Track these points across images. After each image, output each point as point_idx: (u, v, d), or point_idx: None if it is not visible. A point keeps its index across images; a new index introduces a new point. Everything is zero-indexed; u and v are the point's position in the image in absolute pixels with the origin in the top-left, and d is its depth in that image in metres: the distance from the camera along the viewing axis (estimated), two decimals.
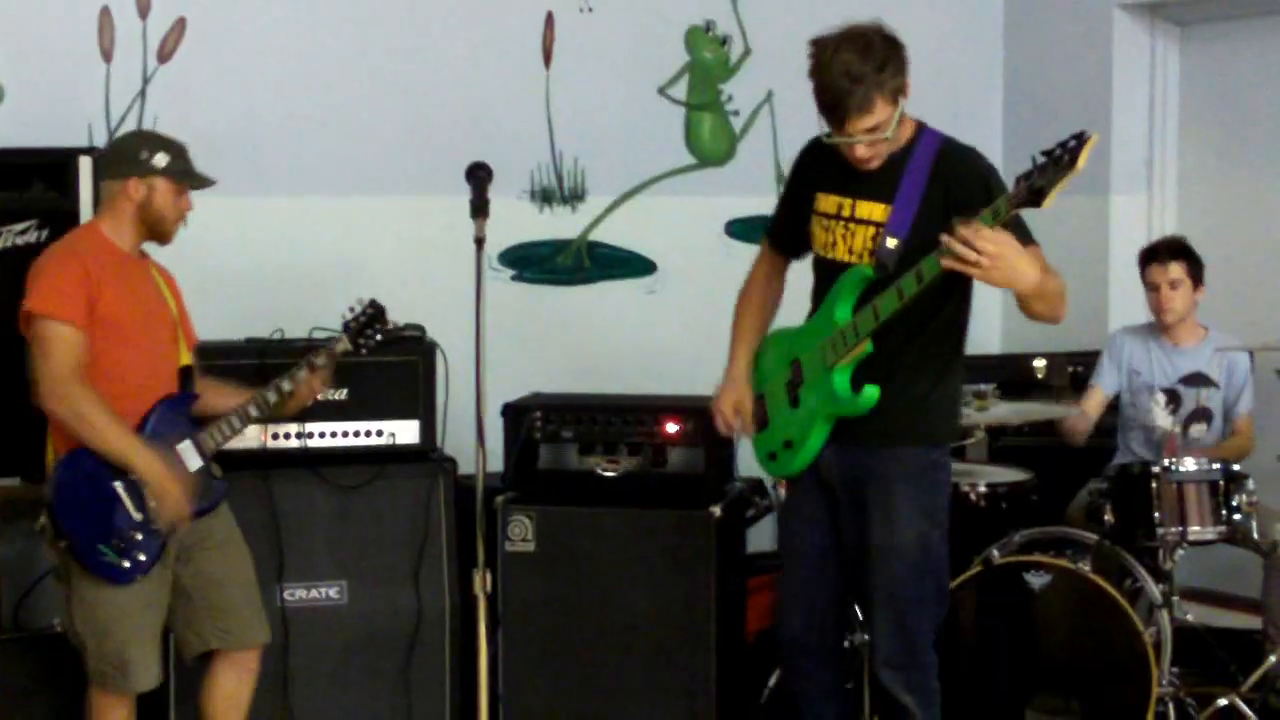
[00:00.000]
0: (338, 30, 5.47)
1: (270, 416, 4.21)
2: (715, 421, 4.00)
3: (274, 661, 4.41)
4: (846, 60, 3.51)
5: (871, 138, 3.58)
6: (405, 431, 4.70)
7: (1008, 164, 6.45)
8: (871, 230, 3.67)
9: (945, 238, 3.36)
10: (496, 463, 4.79)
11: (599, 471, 4.77)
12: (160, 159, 3.98)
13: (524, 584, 4.69)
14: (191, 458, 4.01)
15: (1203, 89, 6.43)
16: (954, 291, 3.72)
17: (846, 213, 3.72)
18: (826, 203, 3.77)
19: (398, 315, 4.81)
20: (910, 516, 3.74)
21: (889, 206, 3.65)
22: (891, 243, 3.62)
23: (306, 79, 5.41)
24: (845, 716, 4.01)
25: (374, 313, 4.28)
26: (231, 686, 4.14)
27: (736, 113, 6.15)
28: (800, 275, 3.98)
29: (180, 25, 5.27)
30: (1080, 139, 3.28)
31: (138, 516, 3.89)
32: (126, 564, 3.87)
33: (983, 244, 3.31)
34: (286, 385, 4.12)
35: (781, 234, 4.00)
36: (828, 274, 3.77)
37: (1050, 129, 6.25)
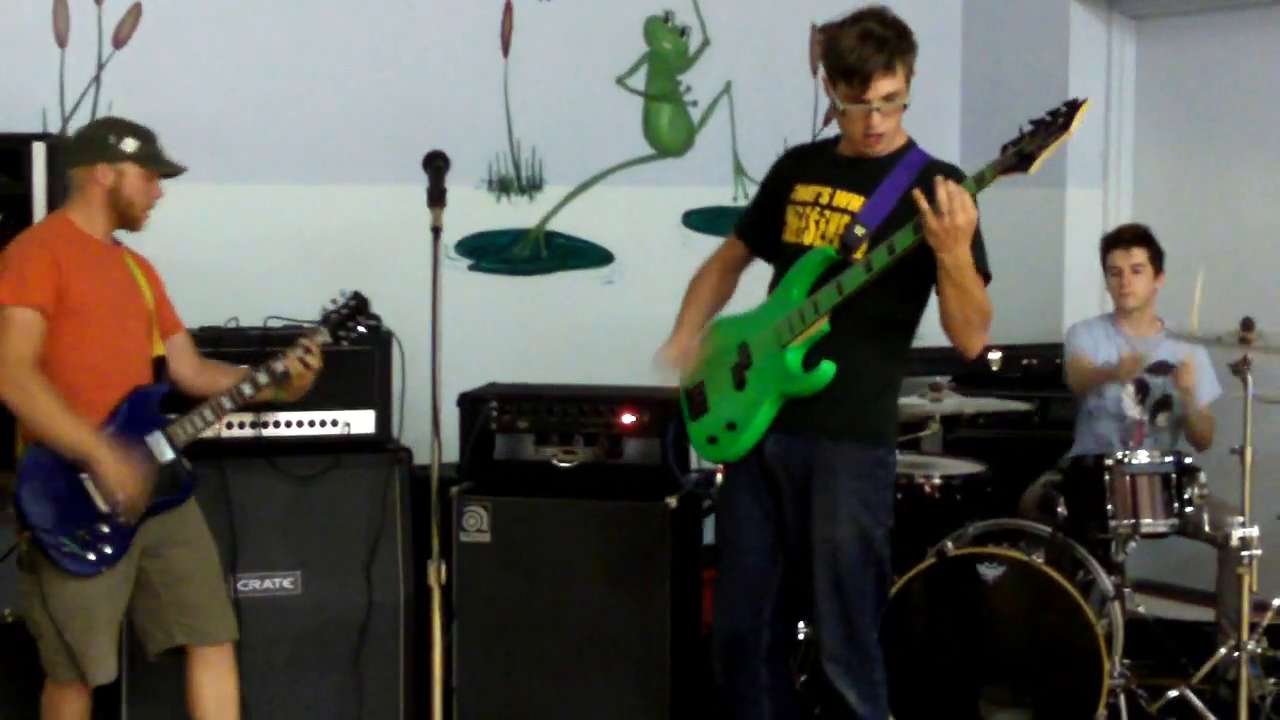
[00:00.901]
0: (295, 17, 5.44)
1: (248, 405, 4.16)
2: (665, 364, 3.97)
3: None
4: (869, 26, 3.61)
5: (889, 106, 3.62)
6: (361, 421, 4.69)
7: (965, 156, 6.55)
8: (846, 219, 3.70)
9: (918, 193, 3.45)
10: (453, 453, 4.78)
11: (555, 462, 4.76)
12: (129, 144, 3.94)
13: (479, 575, 4.68)
14: (162, 449, 3.96)
15: (1159, 83, 6.47)
16: (915, 294, 3.75)
17: (825, 200, 3.75)
18: (805, 192, 3.80)
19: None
20: (853, 510, 3.75)
21: (866, 199, 3.69)
22: (860, 230, 3.66)
23: (263, 66, 5.37)
24: (782, 711, 3.98)
25: (356, 305, 4.22)
26: (215, 686, 4.10)
27: (695, 103, 6.15)
28: (753, 280, 4.00)
29: (136, 11, 5.22)
30: (1074, 104, 3.36)
31: (104, 508, 3.85)
32: (91, 556, 3.84)
33: (957, 204, 3.40)
34: (263, 378, 4.05)
35: (750, 226, 4.02)
36: (790, 258, 3.79)
37: (1007, 121, 6.27)
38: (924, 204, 3.43)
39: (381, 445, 4.71)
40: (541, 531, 4.69)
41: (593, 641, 4.66)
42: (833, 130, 5.99)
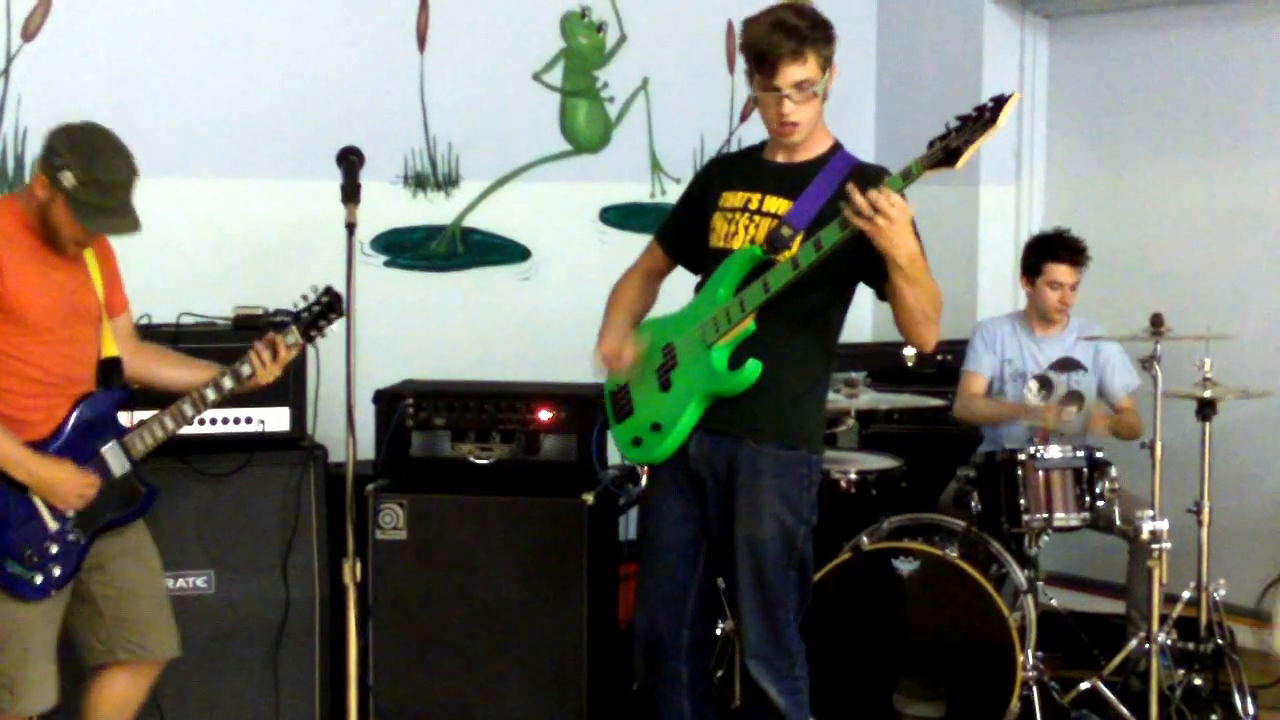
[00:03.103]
0: (207, 11, 5.37)
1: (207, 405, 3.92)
2: (599, 364, 3.93)
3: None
4: (781, 15, 3.64)
5: (800, 94, 3.63)
6: (275, 419, 4.65)
7: (880, 152, 6.60)
8: (774, 222, 3.71)
9: (850, 187, 3.44)
10: (369, 451, 4.76)
11: (471, 459, 4.75)
12: (66, 177, 3.53)
13: (395, 573, 4.66)
14: (118, 461, 3.78)
15: (1071, 81, 6.54)
16: (840, 293, 3.79)
17: (754, 205, 3.76)
18: (733, 198, 3.81)
19: (267, 301, 4.78)
20: (776, 509, 3.76)
21: (792, 202, 3.70)
22: (787, 231, 3.67)
23: (176, 59, 5.31)
24: (702, 709, 3.98)
25: (329, 302, 3.97)
26: (126, 694, 3.93)
27: (612, 100, 6.15)
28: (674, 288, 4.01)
29: (45, 3, 5.14)
30: (1000, 100, 3.39)
31: (53, 526, 3.67)
32: (38, 579, 3.64)
33: (884, 204, 3.40)
34: (229, 383, 3.84)
35: (673, 234, 4.01)
36: (715, 264, 3.78)
37: (922, 118, 6.36)
38: (856, 200, 3.42)
39: (296, 443, 4.67)
40: (458, 529, 4.68)
41: (510, 638, 4.65)
42: (751, 127, 6.07)
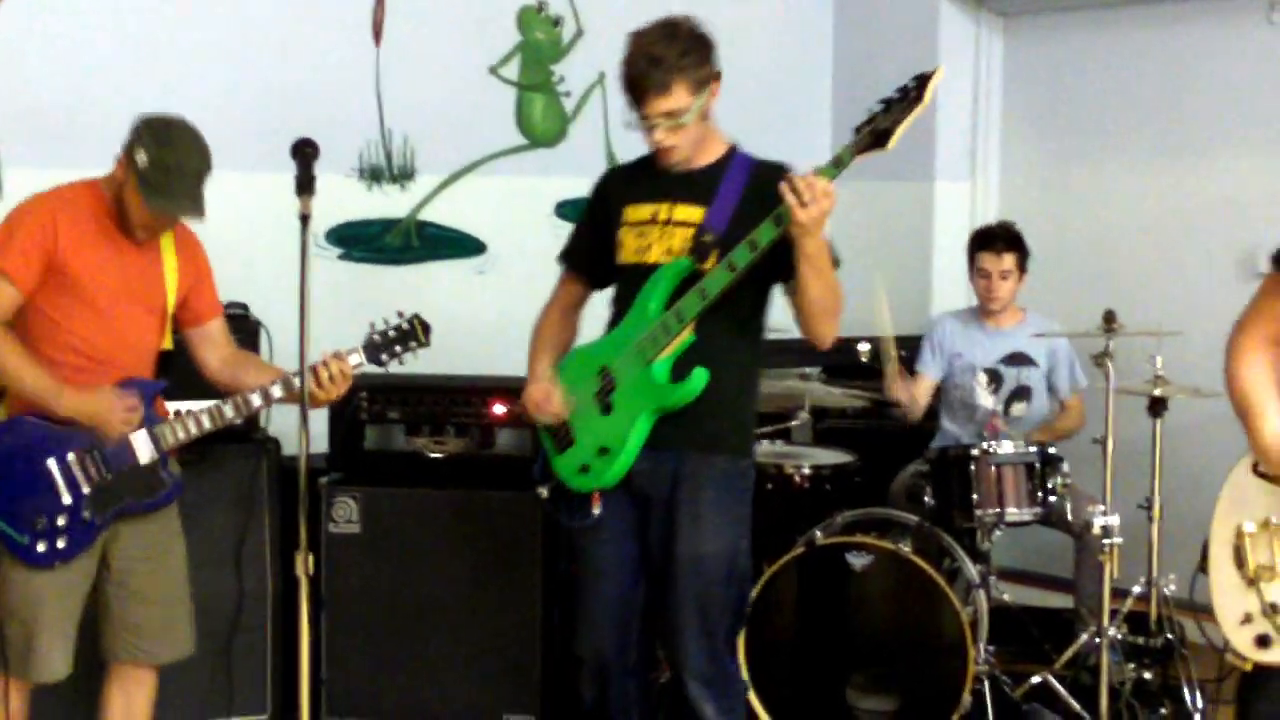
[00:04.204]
0: (162, 2, 5.34)
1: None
2: (530, 412, 3.92)
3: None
4: (650, 44, 3.61)
5: (670, 123, 3.63)
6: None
7: (837, 148, 6.59)
8: (690, 231, 3.70)
9: (789, 179, 3.45)
10: (323, 444, 4.75)
11: (426, 453, 4.75)
12: (140, 156, 3.65)
13: (349, 566, 4.66)
14: (142, 449, 3.75)
15: (1025, 79, 6.58)
16: (765, 293, 3.80)
17: (664, 216, 3.75)
18: (639, 212, 3.79)
19: (221, 294, 4.74)
20: (719, 526, 3.75)
21: (706, 208, 3.70)
22: (708, 238, 3.66)
23: (128, 50, 5.27)
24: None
25: (409, 330, 3.92)
26: (125, 704, 3.94)
27: (568, 94, 6.15)
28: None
29: None
30: (923, 78, 3.42)
31: (67, 500, 3.67)
32: (41, 547, 3.65)
33: (819, 193, 3.42)
34: (277, 391, 3.81)
35: (582, 256, 3.98)
36: (637, 279, 3.76)
37: None
38: (791, 197, 3.43)
39: (249, 435, 4.66)
40: (412, 522, 4.68)
41: (463, 632, 4.65)
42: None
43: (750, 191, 3.69)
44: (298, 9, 5.57)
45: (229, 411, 3.82)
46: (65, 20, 5.19)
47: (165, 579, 3.91)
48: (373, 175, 5.77)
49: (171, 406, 3.94)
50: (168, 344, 3.89)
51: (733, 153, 3.81)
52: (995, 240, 5.35)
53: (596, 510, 3.79)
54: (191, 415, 3.80)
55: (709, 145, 3.77)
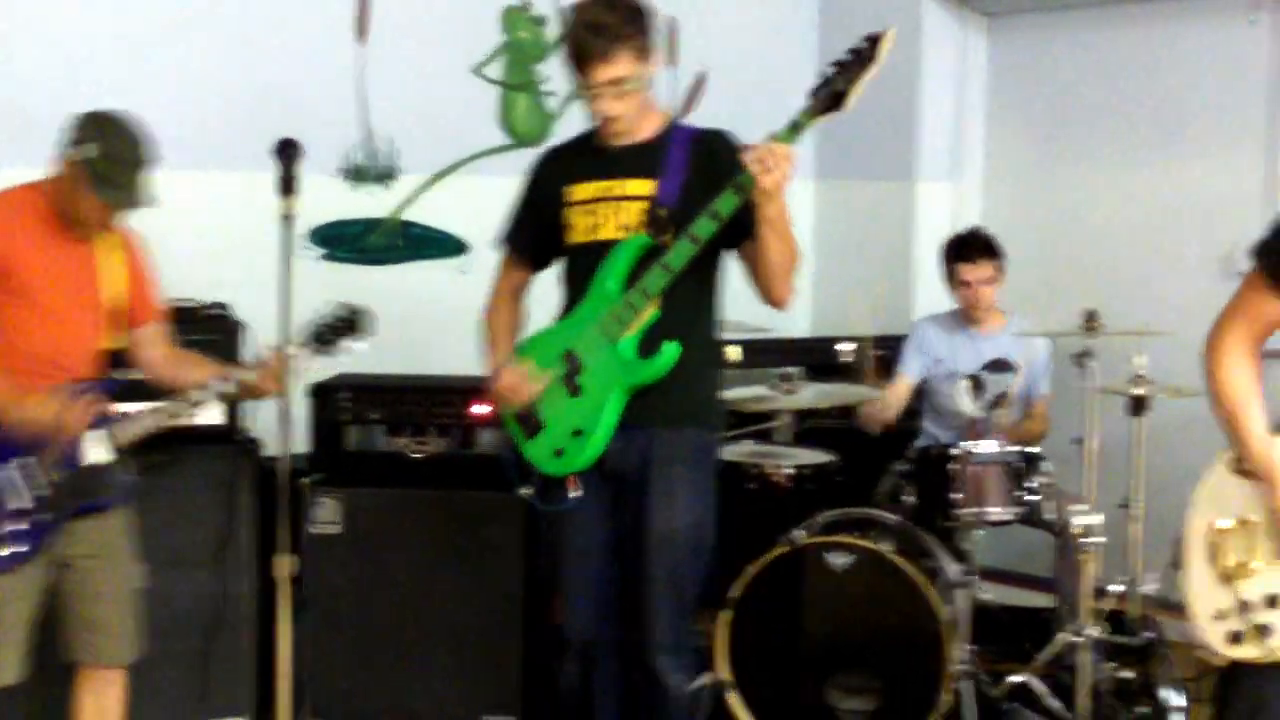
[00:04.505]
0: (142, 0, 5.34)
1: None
2: (501, 400, 3.91)
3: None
4: (592, 13, 3.65)
5: (614, 90, 3.66)
6: (209, 412, 4.60)
7: (821, 149, 6.62)
8: (642, 204, 3.73)
9: (750, 147, 3.46)
10: (304, 445, 4.74)
11: (407, 453, 4.75)
12: (89, 150, 3.63)
13: (329, 567, 4.65)
14: (94, 449, 3.75)
15: (1009, 79, 6.59)
16: (719, 263, 3.81)
17: (612, 193, 3.77)
18: (584, 190, 3.81)
19: (202, 294, 4.75)
20: (690, 501, 3.79)
21: (655, 181, 3.72)
22: (662, 211, 3.70)
23: (108, 48, 5.26)
24: (629, 700, 4.00)
25: (350, 319, 3.93)
26: (96, 705, 3.93)
27: (552, 94, 6.15)
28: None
29: None
30: (874, 37, 3.50)
31: (18, 504, 3.66)
32: (3, 552, 3.64)
33: (780, 157, 3.43)
34: (224, 387, 3.83)
35: (525, 239, 4.00)
36: (591, 258, 3.77)
37: (860, 116, 6.36)
38: (755, 165, 3.44)
39: (230, 436, 4.66)
40: (393, 522, 4.68)
41: (445, 632, 4.65)
42: (692, 120, 6.07)
43: (696, 161, 3.73)
44: (281, 8, 5.56)
45: (176, 409, 3.82)
46: (44, 19, 5.18)
47: (119, 578, 3.92)
48: (356, 175, 5.76)
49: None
50: (115, 344, 3.89)
51: (672, 124, 3.85)
52: (971, 249, 5.37)
53: (574, 493, 3.81)
54: (140, 415, 3.81)
55: (650, 118, 3.80)
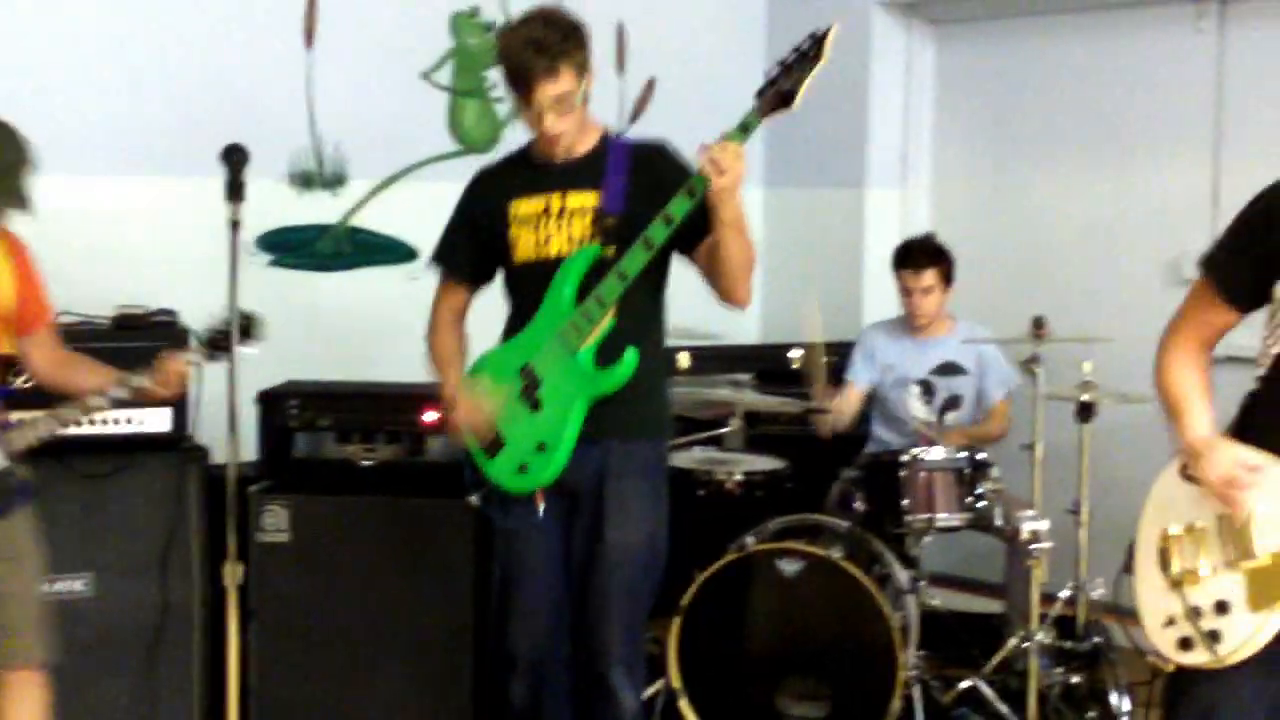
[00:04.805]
0: (89, 3, 5.28)
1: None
2: (468, 432, 3.87)
3: None
4: (531, 31, 3.64)
5: (559, 108, 3.65)
6: (156, 419, 4.58)
7: (769, 159, 6.64)
8: (588, 217, 3.73)
9: (708, 146, 3.47)
10: (252, 452, 4.71)
11: (356, 460, 4.72)
12: None
13: (278, 575, 4.61)
14: None
15: (956, 87, 6.62)
16: (667, 270, 3.82)
17: (556, 207, 3.76)
18: (527, 206, 3.79)
19: (149, 300, 4.71)
20: (644, 514, 3.79)
21: (599, 192, 3.73)
22: (610, 221, 3.70)
23: (54, 52, 5.20)
24: (580, 717, 4.00)
25: (243, 325, 3.89)
26: (17, 709, 3.84)
27: (501, 100, 6.13)
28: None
29: None
30: (817, 35, 3.49)
31: None
32: None
33: (731, 158, 3.45)
34: (119, 392, 3.77)
35: (464, 260, 3.96)
36: (539, 274, 3.76)
37: (809, 124, 6.41)
38: (710, 167, 3.45)
39: (177, 444, 4.62)
40: (343, 530, 4.64)
41: (394, 641, 4.63)
42: (641, 129, 6.08)
43: (636, 171, 3.74)
44: (228, 11, 5.52)
45: (73, 412, 3.77)
46: None
47: (21, 580, 3.84)
48: (304, 181, 5.73)
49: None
50: (7, 349, 3.82)
51: (607, 137, 3.85)
52: (914, 256, 5.39)
53: (542, 508, 3.79)
54: (35, 421, 3.75)
55: (587, 131, 3.80)
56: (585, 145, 3.80)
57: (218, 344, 3.87)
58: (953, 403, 5.38)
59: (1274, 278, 2.87)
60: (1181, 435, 2.98)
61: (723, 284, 3.72)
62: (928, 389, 5.33)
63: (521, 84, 3.64)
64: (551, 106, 3.64)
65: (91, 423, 4.42)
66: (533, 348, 3.78)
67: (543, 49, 3.60)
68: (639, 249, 3.61)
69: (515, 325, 3.87)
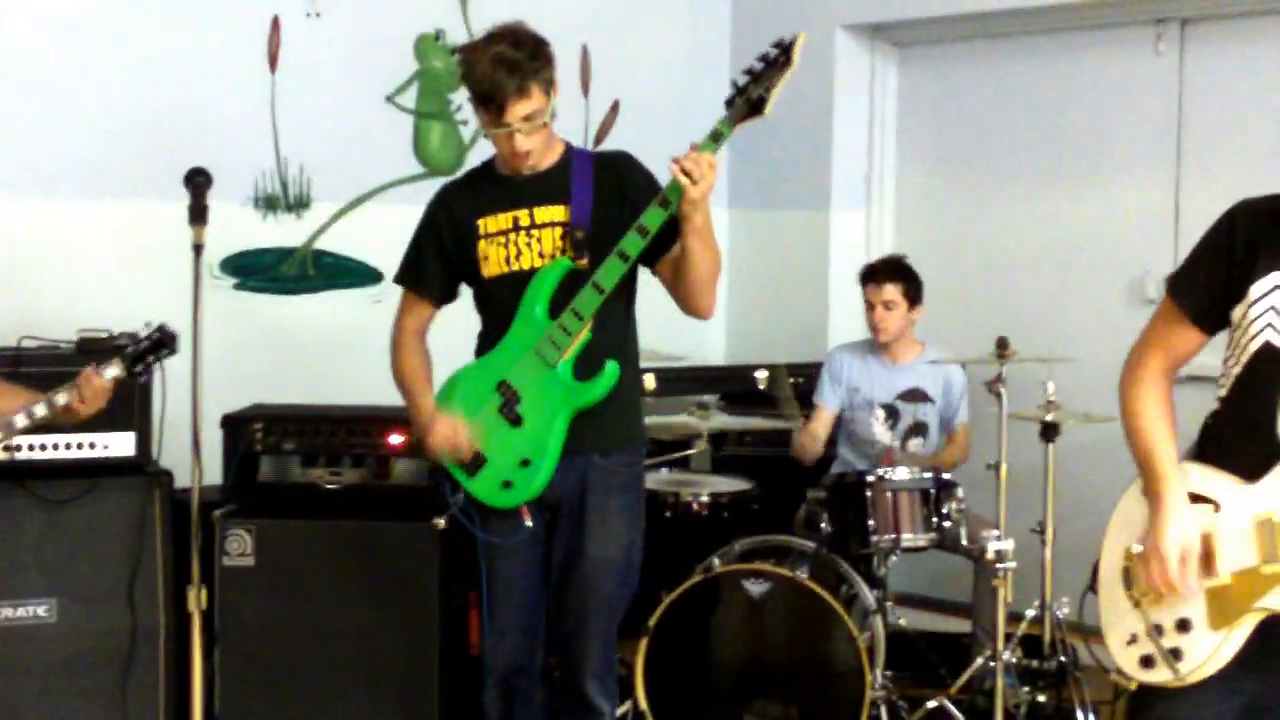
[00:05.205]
0: (52, 25, 5.26)
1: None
2: (448, 456, 3.84)
3: None
4: (499, 50, 3.64)
5: (530, 126, 3.66)
6: (120, 444, 4.55)
7: (734, 177, 6.66)
8: (558, 230, 3.74)
9: (679, 159, 3.51)
10: (217, 476, 4.69)
11: (322, 484, 4.71)
12: None
13: (243, 599, 4.59)
14: None
15: (920, 109, 6.66)
16: (634, 282, 3.83)
17: (525, 222, 3.77)
18: (496, 222, 3.80)
19: (112, 324, 4.69)
20: (623, 528, 3.81)
21: (567, 206, 3.74)
22: (580, 234, 3.71)
23: (17, 75, 5.18)
24: None
25: (160, 339, 3.91)
26: None
27: (466, 122, 6.13)
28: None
29: None
30: (783, 43, 3.53)
31: None
32: None
33: (704, 168, 3.50)
34: (41, 411, 3.77)
35: (431, 278, 3.95)
36: (511, 289, 3.77)
37: (775, 145, 6.45)
38: (683, 177, 3.48)
39: (141, 468, 4.60)
40: (308, 554, 4.63)
41: (360, 665, 4.61)
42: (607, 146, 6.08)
43: (601, 183, 3.76)
44: (192, 35, 5.50)
45: None
46: None
47: None
48: (268, 204, 5.71)
49: None
50: None
51: (570, 149, 3.87)
52: (877, 273, 5.41)
53: (529, 523, 3.79)
54: None
55: (550, 146, 3.82)
56: (551, 158, 3.82)
57: (137, 360, 3.87)
58: (917, 429, 5.40)
59: (1237, 298, 2.88)
60: (1145, 464, 2.98)
61: (688, 295, 3.74)
62: (892, 413, 5.34)
63: (492, 104, 3.65)
64: (522, 125, 3.65)
65: (54, 447, 4.45)
66: (508, 363, 3.78)
67: (514, 68, 3.61)
68: (615, 261, 3.63)
69: (488, 341, 3.87)
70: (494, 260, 3.80)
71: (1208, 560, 2.86)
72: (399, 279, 4.05)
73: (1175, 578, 2.84)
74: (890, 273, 5.38)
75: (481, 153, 6.10)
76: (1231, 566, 2.82)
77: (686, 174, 3.48)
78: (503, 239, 3.79)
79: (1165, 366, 3.04)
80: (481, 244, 3.81)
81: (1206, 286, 2.95)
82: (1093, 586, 3.09)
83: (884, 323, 5.36)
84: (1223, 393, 2.97)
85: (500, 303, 3.81)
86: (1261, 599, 2.77)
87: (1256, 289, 2.85)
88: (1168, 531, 2.87)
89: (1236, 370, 2.91)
